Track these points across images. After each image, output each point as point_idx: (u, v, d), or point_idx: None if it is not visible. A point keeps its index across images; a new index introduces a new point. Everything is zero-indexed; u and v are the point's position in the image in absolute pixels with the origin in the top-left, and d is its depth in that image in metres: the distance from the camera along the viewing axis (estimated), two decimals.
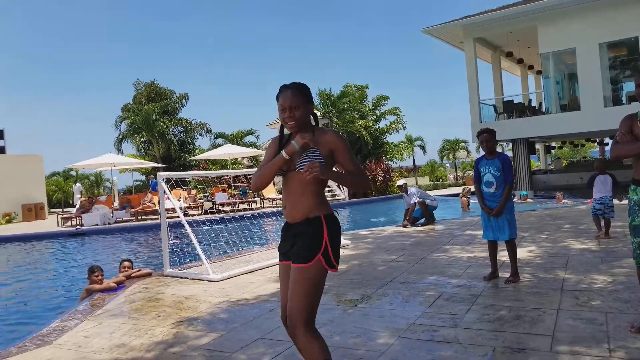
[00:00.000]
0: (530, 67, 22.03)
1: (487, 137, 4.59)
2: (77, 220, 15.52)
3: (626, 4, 14.57)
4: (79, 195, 20.47)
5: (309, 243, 2.24)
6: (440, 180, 32.61)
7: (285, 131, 2.37)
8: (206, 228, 7.20)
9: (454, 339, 3.16)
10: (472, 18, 16.90)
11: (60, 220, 16.10)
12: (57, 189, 31.42)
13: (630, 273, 4.48)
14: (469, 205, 12.88)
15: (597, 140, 27.72)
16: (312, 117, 2.38)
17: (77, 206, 16.56)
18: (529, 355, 2.83)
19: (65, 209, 27.38)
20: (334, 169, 2.30)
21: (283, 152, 2.24)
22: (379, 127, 26.34)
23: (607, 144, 28.11)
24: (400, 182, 10.29)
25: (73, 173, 35.57)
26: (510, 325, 3.36)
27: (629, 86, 16.06)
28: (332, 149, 2.26)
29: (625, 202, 3.34)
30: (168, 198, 6.14)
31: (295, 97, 2.25)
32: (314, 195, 2.29)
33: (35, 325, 5.07)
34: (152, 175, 27.61)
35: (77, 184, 20.87)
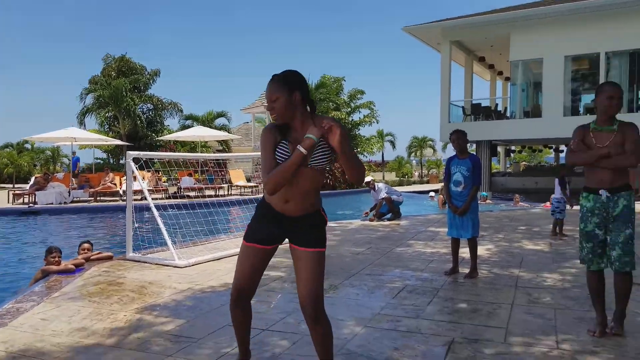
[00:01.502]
0: (500, 73, 22.73)
1: (457, 136, 4.74)
2: (30, 197, 14.84)
3: (593, 21, 15.26)
4: None
5: (318, 230, 2.33)
6: (406, 176, 33.22)
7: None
8: (170, 213, 7.09)
9: (416, 329, 3.29)
10: (451, 21, 17.25)
11: (11, 196, 15.34)
12: (8, 163, 29.93)
13: (577, 273, 4.77)
14: (444, 203, 13.21)
15: (553, 147, 28.94)
16: (304, 104, 2.27)
17: (31, 182, 15.82)
18: (484, 345, 2.99)
19: (16, 185, 26.13)
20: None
21: (301, 148, 2.13)
22: (352, 119, 26.52)
23: (561, 151, 29.39)
24: (368, 178, 10.39)
25: (28, 146, 33.95)
26: (467, 318, 3.52)
27: (587, 98, 16.88)
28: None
29: (577, 208, 3.56)
30: (135, 179, 6.00)
31: (274, 88, 2.21)
32: (318, 192, 2.35)
33: None
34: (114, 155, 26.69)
35: None
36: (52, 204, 14.47)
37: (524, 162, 35.48)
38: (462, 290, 4.33)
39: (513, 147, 28.36)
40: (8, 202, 15.04)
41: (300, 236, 2.31)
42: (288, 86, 2.21)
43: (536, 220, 9.52)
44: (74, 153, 22.59)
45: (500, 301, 3.94)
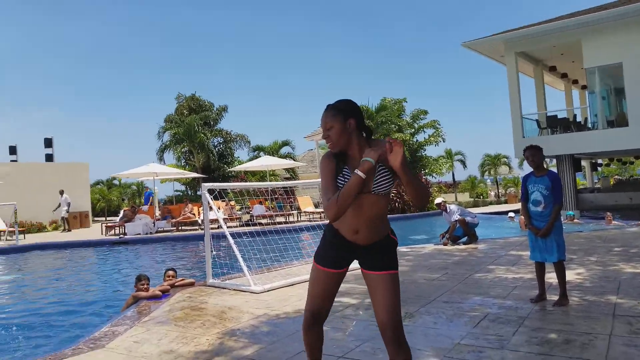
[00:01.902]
0: (575, 82, 21.45)
1: (532, 152, 4.48)
2: (121, 229, 16.07)
3: None
4: (66, 207, 19.38)
5: (392, 253, 2.33)
6: (481, 197, 31.82)
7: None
8: (245, 240, 7.33)
9: None
10: (513, 32, 16.66)
11: (104, 228, 16.70)
12: (100, 198, 32.66)
13: None
14: (526, 224, 12.51)
15: None
16: (360, 130, 2.27)
17: (121, 215, 17.14)
18: None
19: (108, 218, 28.38)
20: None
21: (359, 172, 2.09)
22: (417, 140, 26.11)
23: None
24: (438, 200, 10.08)
25: (116, 182, 36.89)
26: (560, 350, 3.25)
27: None
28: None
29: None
30: (211, 209, 6.29)
31: (328, 116, 2.23)
32: (386, 217, 2.32)
33: (80, 329, 5.30)
34: (189, 187, 28.23)
35: (64, 195, 19.38)
36: (139, 234, 15.57)
37: (616, 176, 32.74)
38: (552, 319, 4.01)
39: (599, 160, 26.38)
40: (101, 234, 16.39)
41: (372, 260, 2.29)
42: (342, 114, 2.22)
43: (634, 240, 8.67)
44: (147, 188, 24.23)
45: (596, 331, 3.61)
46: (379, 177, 2.20)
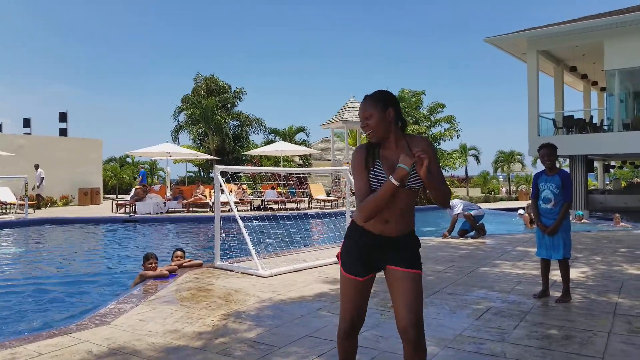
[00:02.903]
0: (594, 83, 21.11)
1: (548, 152, 4.49)
2: (131, 207, 16.25)
3: None
4: (38, 183, 18.43)
5: (417, 253, 2.28)
6: (493, 192, 31.61)
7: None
8: (255, 224, 7.40)
9: (500, 353, 3.14)
10: (537, 30, 16.40)
11: (114, 206, 16.85)
12: (112, 175, 32.90)
13: None
14: (531, 221, 12.51)
15: None
16: (398, 122, 2.26)
17: (132, 194, 17.29)
18: None
19: (119, 196, 28.68)
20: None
21: (393, 180, 2.09)
22: (432, 133, 25.98)
23: None
24: None
25: (129, 160, 37.15)
26: (559, 345, 3.30)
27: None
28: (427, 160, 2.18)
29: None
30: (223, 191, 6.37)
31: (368, 104, 2.23)
32: (414, 211, 2.32)
33: (87, 304, 5.36)
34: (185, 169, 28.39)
35: (39, 170, 18.48)
36: (149, 213, 15.74)
37: (637, 179, 32.23)
38: (553, 315, 4.05)
39: (612, 163, 26.03)
40: (112, 212, 16.59)
41: (398, 255, 2.23)
42: (382, 102, 2.22)
43: None
44: (142, 167, 24.35)
45: (596, 329, 3.64)
46: (413, 175, 2.18)
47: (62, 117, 23.44)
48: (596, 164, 23.59)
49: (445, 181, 2.30)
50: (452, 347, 3.27)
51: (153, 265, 5.74)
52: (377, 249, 2.26)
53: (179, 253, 6.36)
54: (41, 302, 5.64)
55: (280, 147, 21.44)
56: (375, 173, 2.21)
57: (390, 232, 2.23)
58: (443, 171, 24.44)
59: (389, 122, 2.23)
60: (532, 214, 12.32)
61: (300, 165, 27.21)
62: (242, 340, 3.44)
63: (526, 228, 12.16)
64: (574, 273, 5.61)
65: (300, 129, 29.71)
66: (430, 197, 13.82)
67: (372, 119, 2.21)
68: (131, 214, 15.54)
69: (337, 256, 2.40)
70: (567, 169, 18.94)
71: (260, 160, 26.35)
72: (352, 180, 2.32)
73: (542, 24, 16.73)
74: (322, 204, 19.13)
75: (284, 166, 23.09)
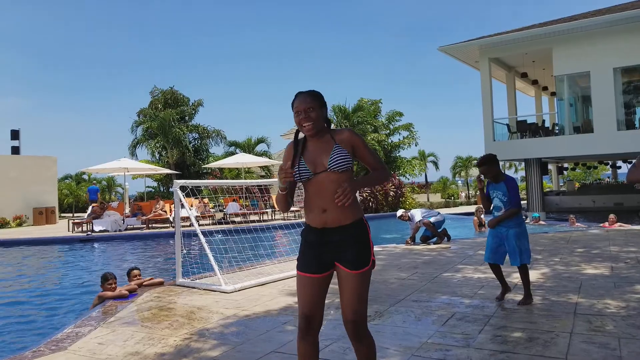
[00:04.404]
0: (545, 89, 22.11)
1: (484, 169, 4.57)
2: (88, 225, 15.64)
3: None
4: None
5: (363, 247, 2.30)
6: (452, 198, 32.40)
7: (300, 135, 2.43)
8: (217, 238, 7.24)
9: (466, 359, 3.16)
10: (488, 39, 17.03)
11: (71, 225, 16.22)
12: (68, 193, 31.65)
13: None
14: (480, 225, 12.82)
15: (610, 163, 27.50)
16: (325, 123, 2.42)
17: (89, 212, 16.67)
18: None
19: (76, 214, 27.58)
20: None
21: (279, 189, 2.36)
22: (391, 141, 26.42)
23: (619, 167, 27.88)
24: (399, 213, 10.07)
25: (85, 177, 35.85)
26: (523, 347, 3.35)
27: None
28: (352, 145, 2.33)
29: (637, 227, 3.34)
30: (183, 206, 6.20)
31: (310, 99, 2.33)
32: (355, 197, 2.32)
33: (45, 329, 5.12)
34: (163, 183, 27.71)
35: None
36: (107, 231, 15.18)
37: (608, 180, 33.67)
38: (516, 318, 4.13)
39: (566, 165, 27.23)
40: (68, 231, 15.90)
41: (346, 255, 2.27)
42: (320, 100, 2.37)
43: (595, 242, 9.00)
44: (93, 183, 23.60)
45: (558, 329, 3.73)
46: (335, 155, 2.27)
47: (14, 134, 22.62)
48: (550, 166, 24.60)
49: (380, 160, 2.42)
50: (419, 355, 3.26)
51: (112, 285, 5.51)
52: (325, 245, 2.31)
53: (135, 272, 6.11)
54: None
55: (241, 159, 21.22)
56: (300, 169, 2.32)
57: (331, 221, 2.28)
58: (403, 178, 24.69)
59: (325, 117, 2.38)
60: (480, 218, 12.78)
61: (262, 177, 27.01)
62: (206, 359, 3.32)
63: (475, 232, 12.49)
64: (534, 275, 5.77)
65: (261, 140, 29.55)
66: (392, 204, 13.80)
67: (314, 112, 2.31)
68: (88, 233, 14.95)
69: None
70: (523, 172, 19.63)
71: (222, 172, 25.98)
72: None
73: (493, 33, 17.41)
74: (285, 214, 19.02)
75: (245, 178, 22.83)
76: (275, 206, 19.26)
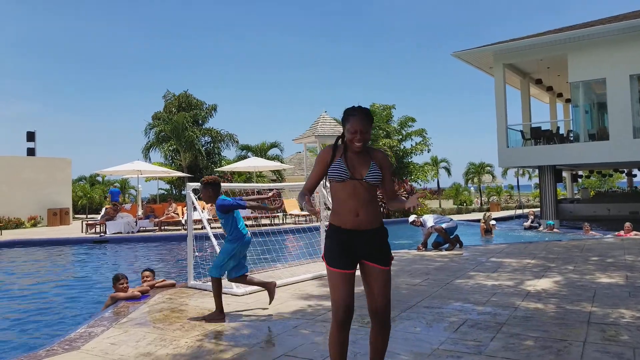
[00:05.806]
0: (559, 95, 21.87)
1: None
2: (101, 227, 15.82)
3: None
4: None
5: (387, 247, 2.68)
6: (465, 204, 32.15)
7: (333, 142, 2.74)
8: None
9: None
10: (502, 44, 16.92)
11: (84, 226, 16.41)
12: (82, 195, 32.04)
13: None
14: (486, 231, 12.81)
15: (625, 171, 27.09)
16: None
17: (102, 213, 16.86)
18: None
19: (89, 215, 27.90)
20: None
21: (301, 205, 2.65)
22: (404, 147, 26.30)
23: (634, 175, 27.43)
24: (411, 218, 10.00)
25: (99, 179, 36.26)
26: (536, 356, 3.31)
27: None
28: (382, 166, 2.65)
29: None
30: (195, 209, 6.24)
31: (367, 122, 2.59)
32: (378, 205, 2.69)
33: (56, 329, 5.18)
34: (175, 185, 27.94)
35: None
36: (120, 233, 15.34)
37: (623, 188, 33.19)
38: (529, 326, 4.08)
39: (580, 172, 26.88)
40: (82, 232, 16.09)
41: (374, 253, 2.61)
42: (372, 122, 2.68)
43: (610, 250, 8.86)
44: (114, 185, 23.80)
45: (571, 338, 3.68)
46: (373, 171, 2.59)
47: (30, 136, 22.90)
48: (564, 173, 24.29)
49: (395, 191, 2.80)
50: None
51: (124, 286, 5.56)
52: (355, 244, 2.59)
53: (147, 273, 6.17)
54: (8, 327, 5.41)
55: (253, 163, 21.31)
56: (337, 168, 2.58)
57: (363, 224, 2.58)
58: (415, 184, 24.70)
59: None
60: (492, 225, 12.72)
61: (273, 181, 27.06)
62: None
63: (481, 237, 12.53)
64: (547, 283, 5.71)
65: (274, 144, 29.65)
66: (403, 210, 13.59)
67: (367, 134, 2.60)
68: (101, 234, 15.11)
69: (322, 257, 2.71)
70: (537, 179, 19.45)
71: (233, 176, 26.11)
72: (325, 193, 2.69)
73: (508, 39, 17.31)
74: (297, 219, 19.04)
75: (257, 182, 22.92)
76: (287, 210, 19.36)
